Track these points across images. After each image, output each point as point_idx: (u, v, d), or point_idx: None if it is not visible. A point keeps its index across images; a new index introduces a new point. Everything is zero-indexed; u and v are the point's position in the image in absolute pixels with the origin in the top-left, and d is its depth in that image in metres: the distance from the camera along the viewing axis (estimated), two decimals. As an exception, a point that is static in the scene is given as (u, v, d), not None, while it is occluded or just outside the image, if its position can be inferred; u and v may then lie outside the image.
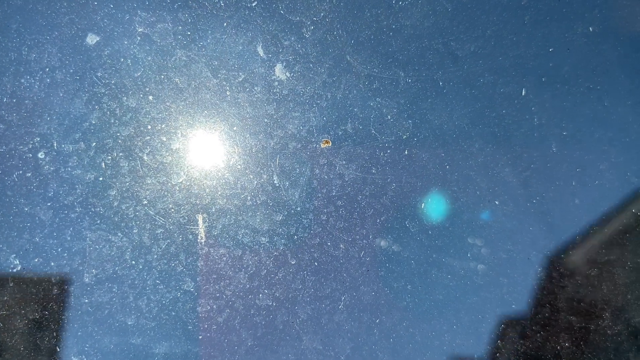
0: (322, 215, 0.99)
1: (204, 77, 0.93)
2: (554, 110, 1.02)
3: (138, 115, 0.92)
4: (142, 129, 0.92)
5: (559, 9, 1.00)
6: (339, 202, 0.99)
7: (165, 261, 0.94)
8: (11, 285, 0.90)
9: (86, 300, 0.92)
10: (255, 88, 0.95)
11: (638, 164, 1.02)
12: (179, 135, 0.93)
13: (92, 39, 0.89)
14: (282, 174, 0.97)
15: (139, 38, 0.90)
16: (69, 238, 0.91)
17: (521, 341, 1.04)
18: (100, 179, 0.91)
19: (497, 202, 1.02)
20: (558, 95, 1.01)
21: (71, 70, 0.89)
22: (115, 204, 0.92)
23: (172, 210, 0.94)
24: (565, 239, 1.04)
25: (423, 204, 1.01)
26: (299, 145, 0.97)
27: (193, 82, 0.93)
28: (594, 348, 1.04)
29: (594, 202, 1.03)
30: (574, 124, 1.02)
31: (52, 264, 0.91)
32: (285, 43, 0.94)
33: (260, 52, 0.94)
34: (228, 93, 0.94)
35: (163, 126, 0.92)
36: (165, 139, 0.93)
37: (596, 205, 1.04)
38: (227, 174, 0.96)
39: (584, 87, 1.01)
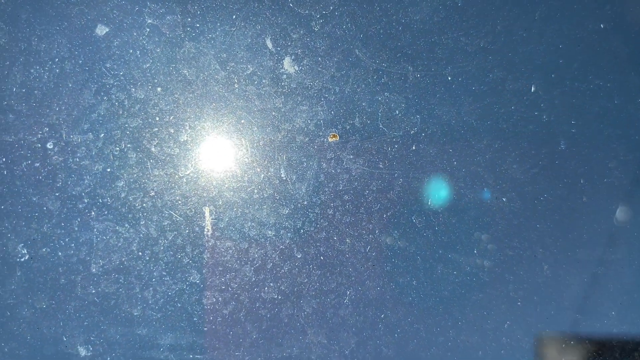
0: (328, 210, 0.99)
1: (212, 70, 0.93)
2: (563, 107, 1.01)
3: (146, 106, 0.92)
4: (150, 120, 0.92)
5: (570, 5, 0.99)
6: (346, 197, 0.99)
7: (172, 253, 0.95)
8: (19, 274, 0.91)
9: (93, 291, 0.93)
10: (264, 81, 0.95)
11: (647, 162, 1.02)
12: (187, 127, 0.93)
13: (101, 30, 0.90)
14: (289, 167, 0.97)
15: (148, 30, 0.90)
16: (76, 228, 0.91)
17: (526, 339, 1.04)
18: (108, 170, 0.91)
19: (504, 199, 1.02)
20: (567, 92, 1.01)
21: (80, 61, 0.89)
22: (123, 195, 0.92)
23: (179, 202, 0.94)
24: (572, 236, 1.03)
25: (428, 197, 1.01)
26: (307, 139, 0.97)
27: (201, 74, 0.93)
28: (599, 347, 1.04)
29: (602, 200, 1.03)
30: (583, 122, 1.02)
31: (60, 254, 0.91)
32: (294, 36, 0.94)
33: (268, 45, 0.94)
34: (236, 86, 0.94)
35: (171, 118, 0.93)
36: (173, 131, 0.93)
37: (604, 203, 1.03)
38: (234, 167, 0.96)
39: (593, 84, 1.01)
